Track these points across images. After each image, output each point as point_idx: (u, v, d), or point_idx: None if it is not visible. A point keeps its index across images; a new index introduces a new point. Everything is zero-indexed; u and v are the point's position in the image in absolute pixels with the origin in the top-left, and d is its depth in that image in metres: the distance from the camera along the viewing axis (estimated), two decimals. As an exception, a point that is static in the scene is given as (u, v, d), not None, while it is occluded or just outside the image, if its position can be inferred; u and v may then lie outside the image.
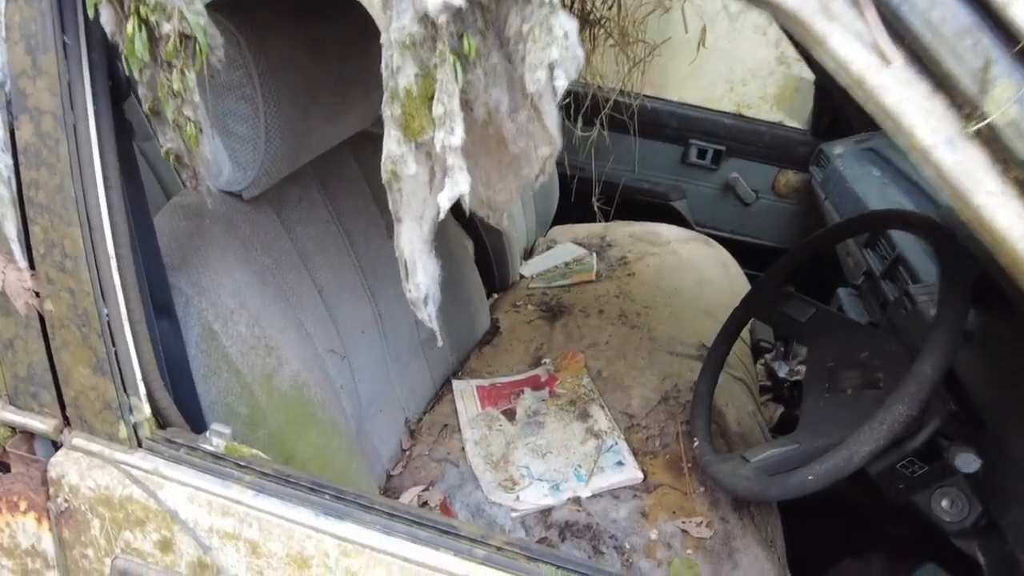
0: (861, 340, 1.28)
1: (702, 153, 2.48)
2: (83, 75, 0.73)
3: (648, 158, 2.52)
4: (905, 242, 1.60)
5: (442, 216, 0.67)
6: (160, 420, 0.84)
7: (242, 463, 0.78)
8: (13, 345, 0.79)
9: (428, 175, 0.66)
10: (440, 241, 1.52)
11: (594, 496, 1.27)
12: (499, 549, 0.73)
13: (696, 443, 1.29)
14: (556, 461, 1.33)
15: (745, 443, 1.42)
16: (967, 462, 1.01)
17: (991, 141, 0.51)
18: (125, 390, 0.78)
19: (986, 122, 0.50)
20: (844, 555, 1.53)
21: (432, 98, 0.63)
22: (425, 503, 1.27)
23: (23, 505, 0.79)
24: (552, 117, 0.63)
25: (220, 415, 1.00)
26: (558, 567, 0.71)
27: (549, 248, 2.14)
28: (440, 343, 0.79)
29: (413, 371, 1.50)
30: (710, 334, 1.70)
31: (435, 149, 0.64)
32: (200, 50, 0.69)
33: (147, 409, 0.80)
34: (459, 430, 1.42)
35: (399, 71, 0.63)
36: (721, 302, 1.86)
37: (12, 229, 0.74)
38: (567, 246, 2.13)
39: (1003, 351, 1.13)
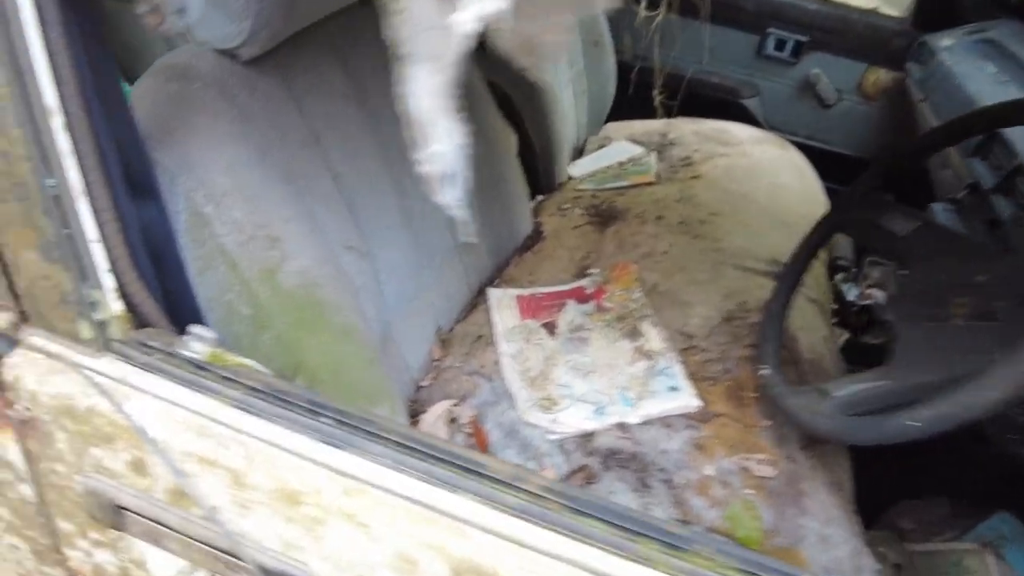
0: (978, 262, 1.05)
1: (781, 44, 2.14)
2: None
3: (719, 48, 2.19)
4: (1032, 149, 1.32)
5: (465, 50, 0.46)
6: (138, 320, 0.69)
7: (226, 375, 0.63)
8: (-51, 219, 0.63)
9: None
10: (478, 130, 1.31)
11: (643, 423, 1.11)
12: (536, 496, 0.58)
13: (764, 370, 1.11)
14: (600, 381, 1.17)
15: (818, 373, 1.23)
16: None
17: None
18: (85, 281, 0.63)
19: None
20: (904, 495, 1.37)
21: None
22: (454, 419, 1.13)
23: (-21, 410, 0.66)
24: None
25: (220, 314, 0.85)
26: (611, 524, 0.55)
27: (603, 146, 1.90)
28: (469, 238, 0.61)
29: (448, 276, 1.33)
30: (783, 248, 1.47)
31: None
32: None
33: (115, 306, 0.65)
34: (493, 342, 1.27)
35: None
36: (797, 212, 1.61)
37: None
38: (622, 144, 1.88)
39: None
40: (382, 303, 1.12)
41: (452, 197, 0.57)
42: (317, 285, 0.89)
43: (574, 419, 1.11)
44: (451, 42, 0.48)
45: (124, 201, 0.69)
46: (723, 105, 2.19)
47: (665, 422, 1.12)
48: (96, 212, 0.63)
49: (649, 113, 2.09)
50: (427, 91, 0.51)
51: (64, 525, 0.69)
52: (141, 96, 0.81)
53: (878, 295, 2.04)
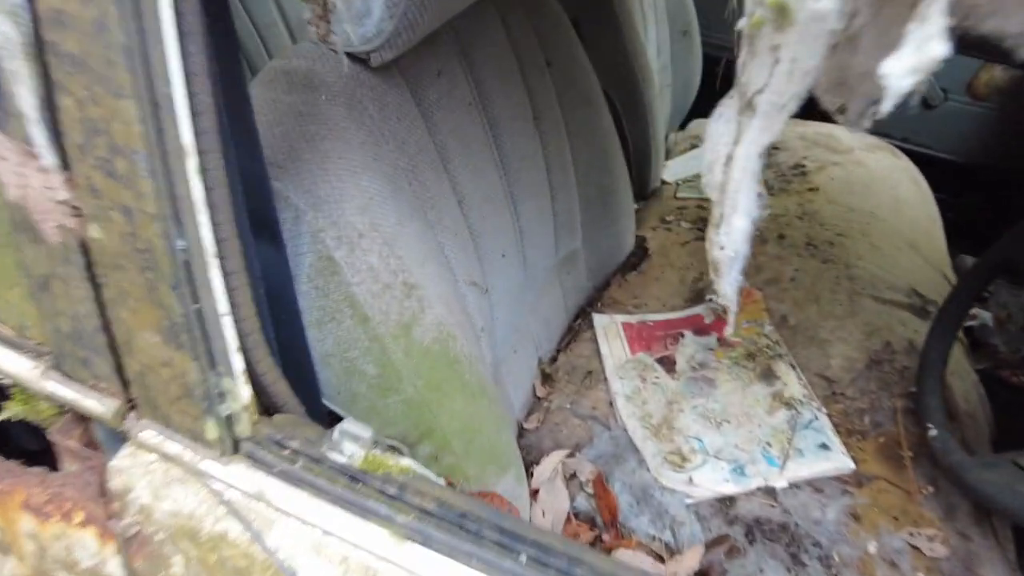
0: None
1: (886, 37, 1.94)
2: None
3: (815, 41, 1.99)
4: None
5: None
6: (263, 402, 0.55)
7: (391, 490, 0.49)
8: (49, 286, 0.49)
9: (848, 16, 0.29)
10: (591, 132, 1.15)
11: (791, 487, 0.97)
12: None
13: (932, 432, 0.95)
14: (736, 435, 1.02)
15: (976, 429, 1.07)
16: None
17: None
18: (214, 368, 0.48)
19: None
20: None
21: None
22: (573, 474, 0.99)
23: (78, 516, 0.52)
24: None
25: (337, 372, 0.71)
26: None
27: (694, 147, 1.72)
28: (730, 330, 0.45)
29: (548, 301, 1.18)
30: (918, 275, 1.31)
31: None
32: None
33: (245, 393, 0.51)
34: (605, 379, 1.12)
35: None
36: (922, 230, 1.44)
37: (28, 98, 0.42)
38: (717, 148, 1.70)
39: None
40: (495, 342, 0.97)
41: (732, 282, 0.42)
42: (452, 338, 0.74)
43: (709, 479, 0.97)
44: (802, 87, 0.32)
45: (250, 253, 0.54)
46: (812, 102, 1.99)
47: (815, 486, 0.97)
48: (226, 276, 0.48)
49: (739, 111, 1.91)
50: (756, 148, 0.35)
51: (174, 649, 0.56)
52: (257, 110, 0.66)
53: (984, 315, 1.87)
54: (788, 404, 1.05)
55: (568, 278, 1.24)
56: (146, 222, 0.43)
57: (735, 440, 1.01)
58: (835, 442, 1.00)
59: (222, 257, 0.47)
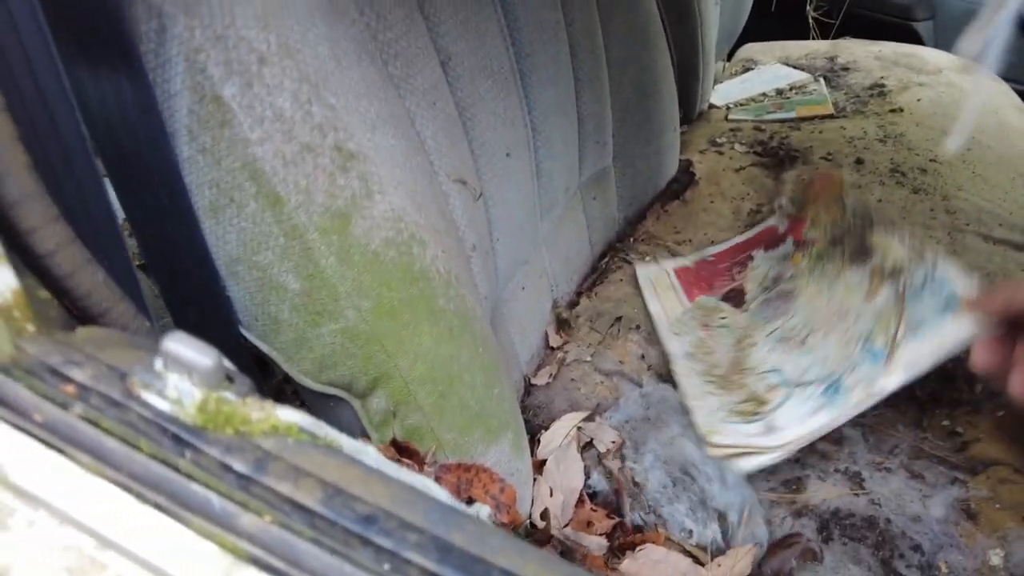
0: None
1: (977, -52, 1.59)
2: None
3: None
4: None
5: None
6: (69, 306, 0.31)
7: (240, 468, 0.25)
8: None
9: None
10: (634, 21, 0.87)
11: (879, 469, 0.70)
12: None
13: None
14: (827, 344, 0.73)
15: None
16: None
17: None
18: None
19: None
20: None
21: None
22: (591, 442, 0.74)
23: None
24: None
25: (248, 285, 0.47)
26: None
27: (749, 69, 1.43)
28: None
29: (568, 231, 0.93)
30: (1035, 212, 1.02)
31: None
32: None
33: (15, 282, 0.27)
34: (637, 327, 0.87)
35: None
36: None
37: None
38: (775, 67, 1.41)
39: None
40: (494, 270, 0.72)
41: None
42: (418, 242, 0.49)
43: (795, 416, 0.70)
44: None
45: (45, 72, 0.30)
46: (887, 28, 1.66)
47: (913, 471, 0.71)
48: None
49: (797, 33, 1.60)
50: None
51: None
52: None
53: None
54: (895, 273, 0.74)
55: (594, 204, 0.98)
56: None
57: (825, 352, 0.73)
58: (963, 284, 0.68)
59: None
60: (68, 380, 0.27)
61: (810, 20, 1.59)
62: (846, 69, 1.35)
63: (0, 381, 0.27)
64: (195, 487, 0.25)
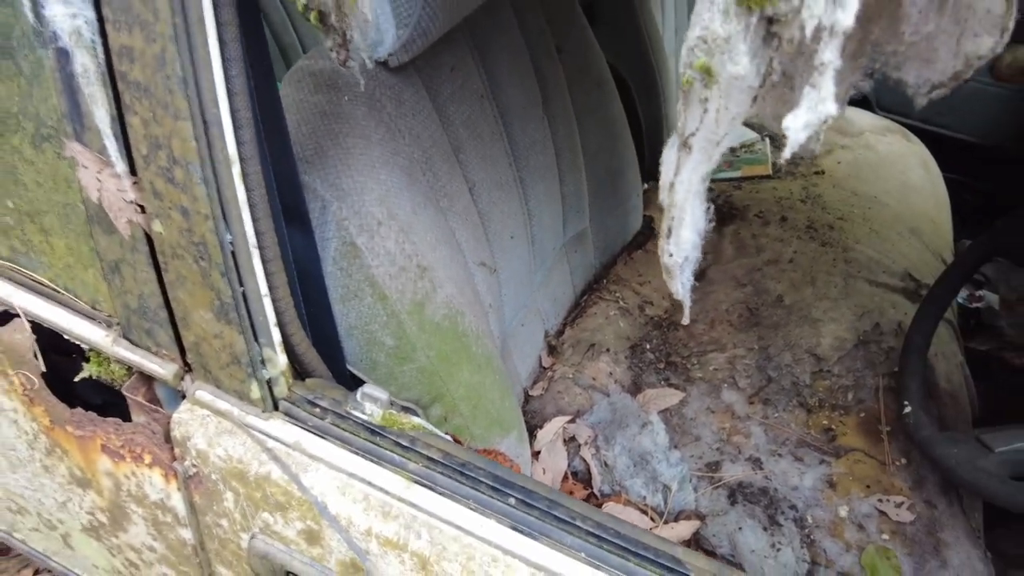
0: None
1: (907, 15, 1.94)
2: None
3: (836, 18, 2.00)
4: None
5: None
6: (297, 367, 0.65)
7: (404, 442, 0.59)
8: (119, 269, 0.59)
9: (762, 77, 0.37)
10: (602, 118, 1.21)
11: (774, 455, 1.05)
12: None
13: (907, 409, 1.03)
14: None
15: (956, 406, 1.14)
16: None
17: None
18: (257, 340, 0.58)
19: None
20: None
21: (808, -64, 0.32)
22: (573, 437, 1.09)
23: (147, 458, 0.64)
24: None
25: (360, 342, 0.80)
26: None
27: (707, 128, 1.77)
28: (686, 320, 0.54)
29: (556, 278, 1.27)
30: (916, 260, 1.36)
31: (793, 33, 0.34)
32: None
33: (283, 360, 0.61)
34: (607, 350, 1.21)
35: None
36: (927, 216, 1.49)
37: (104, 118, 0.51)
38: (729, 127, 1.75)
39: None
40: (502, 317, 1.06)
41: (683, 282, 0.50)
42: (460, 314, 0.83)
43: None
44: (736, 133, 0.40)
45: (284, 241, 0.63)
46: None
47: (796, 455, 1.06)
48: (265, 263, 0.58)
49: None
50: (692, 178, 0.43)
51: (223, 571, 0.67)
52: (287, 108, 0.74)
53: (990, 297, 1.91)
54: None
55: (576, 256, 1.32)
56: (200, 220, 0.52)
57: None
58: None
59: (261, 247, 0.57)
60: (316, 405, 0.61)
61: (764, 79, 1.93)
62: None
63: (287, 407, 0.61)
64: (385, 452, 0.59)
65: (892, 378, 1.13)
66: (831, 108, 0.35)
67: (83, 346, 0.65)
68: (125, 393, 0.63)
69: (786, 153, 0.37)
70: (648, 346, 1.24)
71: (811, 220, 1.38)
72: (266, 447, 0.58)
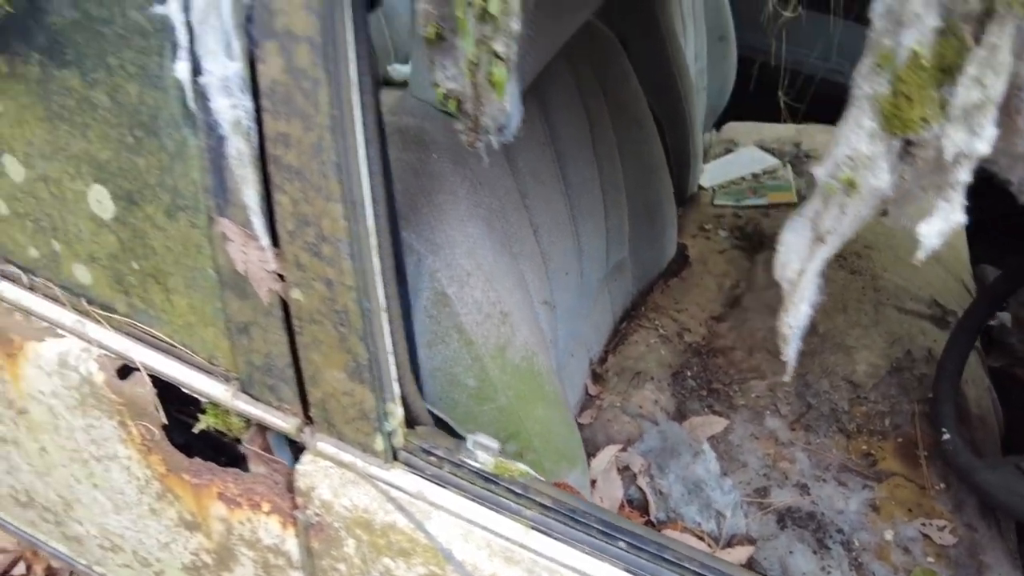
0: None
1: (917, 41, 2.02)
2: (344, -18, 0.50)
3: (848, 45, 2.08)
4: None
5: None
6: (407, 416, 0.69)
7: (517, 490, 0.64)
8: (248, 331, 0.63)
9: (897, 189, 0.42)
10: (639, 152, 1.27)
11: (819, 480, 1.11)
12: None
13: (945, 436, 1.09)
14: None
15: (986, 430, 1.21)
16: None
17: None
18: (383, 395, 0.62)
19: None
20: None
21: (951, 72, 0.38)
22: (627, 466, 1.14)
23: (266, 506, 0.68)
24: None
25: (442, 383, 0.85)
26: None
27: (729, 151, 1.83)
28: (788, 377, 0.59)
29: (598, 308, 1.32)
30: (939, 286, 1.43)
31: (930, 154, 0.39)
32: (533, -46, 0.45)
33: (400, 413, 0.65)
34: (652, 378, 1.26)
35: (907, 22, 0.37)
36: (946, 242, 1.55)
37: (253, 196, 0.56)
38: (751, 151, 1.82)
39: None
40: (557, 350, 1.11)
41: (796, 348, 0.55)
42: (535, 355, 0.88)
43: None
44: (856, 226, 0.46)
45: (407, 307, 0.69)
46: (844, 105, 2.08)
47: (840, 480, 1.11)
48: (391, 322, 0.62)
49: (770, 113, 2.01)
50: (814, 259, 0.48)
51: (332, 610, 0.72)
52: (379, 168, 0.79)
53: (1003, 315, 1.99)
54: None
55: (615, 285, 1.37)
56: (344, 291, 0.57)
57: None
58: None
59: (389, 310, 0.61)
60: (432, 454, 0.66)
61: (781, 103, 2.00)
62: (808, 156, 1.76)
63: (406, 457, 0.65)
64: (502, 499, 0.63)
65: (926, 404, 1.19)
66: (960, 217, 0.41)
67: (200, 399, 0.69)
68: (246, 445, 0.67)
69: (920, 255, 0.42)
70: (689, 373, 1.29)
71: (840, 249, 1.44)
72: (390, 496, 0.63)
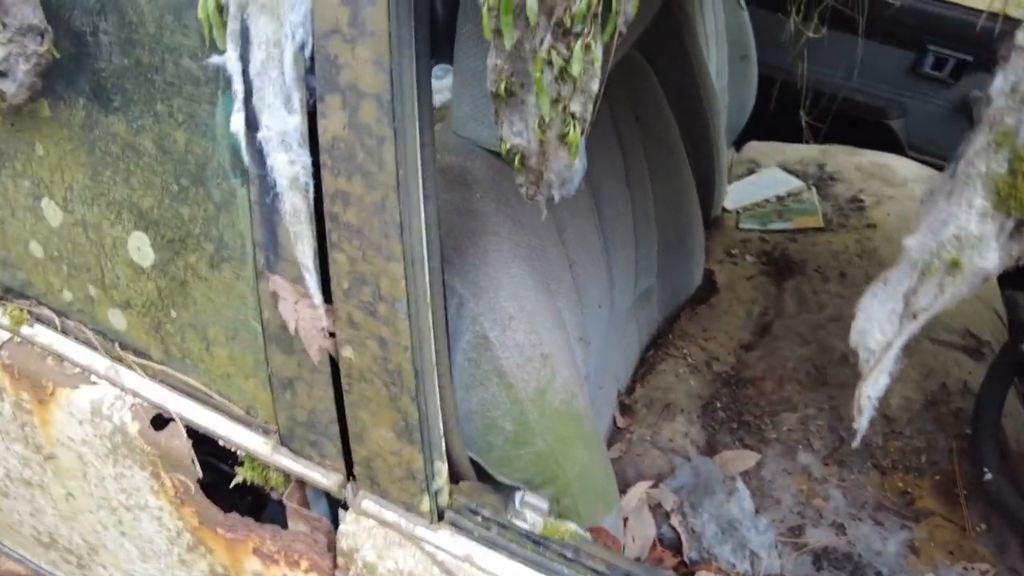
0: None
1: (940, 63, 2.00)
2: (411, 37, 0.48)
3: (869, 64, 2.06)
4: None
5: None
6: (451, 470, 0.67)
7: (568, 554, 0.61)
8: (293, 385, 0.61)
9: (1002, 267, 0.40)
10: (670, 177, 1.25)
11: (855, 519, 1.09)
12: None
13: (988, 476, 1.07)
14: None
15: (1025, 466, 1.19)
16: None
17: None
18: (431, 454, 0.60)
19: None
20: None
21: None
22: (658, 504, 1.11)
23: (304, 564, 0.66)
24: None
25: (478, 426, 0.83)
26: None
27: (751, 171, 1.81)
28: (855, 444, 0.57)
29: (627, 337, 1.30)
30: (972, 314, 1.41)
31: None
32: (614, 11, 0.43)
33: (446, 470, 0.63)
34: (682, 410, 1.24)
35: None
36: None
37: (308, 253, 0.54)
38: (775, 172, 1.80)
39: None
40: (590, 385, 1.09)
41: (869, 417, 0.53)
42: (575, 396, 0.86)
43: None
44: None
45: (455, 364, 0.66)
46: (865, 125, 2.07)
47: (876, 519, 1.09)
48: (439, 378, 0.60)
49: (791, 133, 1.99)
50: (902, 335, 0.46)
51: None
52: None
53: (1026, 340, 1.94)
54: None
55: (643, 313, 1.35)
56: (399, 351, 0.55)
57: None
58: None
59: (439, 365, 0.59)
60: (478, 514, 0.63)
61: (803, 123, 1.98)
62: (833, 179, 1.74)
63: (452, 517, 0.63)
64: (554, 564, 0.61)
65: (963, 440, 1.17)
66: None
67: (238, 452, 0.67)
68: (285, 501, 0.65)
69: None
70: (719, 404, 1.27)
71: (869, 276, 1.41)
72: (436, 559, 0.61)
